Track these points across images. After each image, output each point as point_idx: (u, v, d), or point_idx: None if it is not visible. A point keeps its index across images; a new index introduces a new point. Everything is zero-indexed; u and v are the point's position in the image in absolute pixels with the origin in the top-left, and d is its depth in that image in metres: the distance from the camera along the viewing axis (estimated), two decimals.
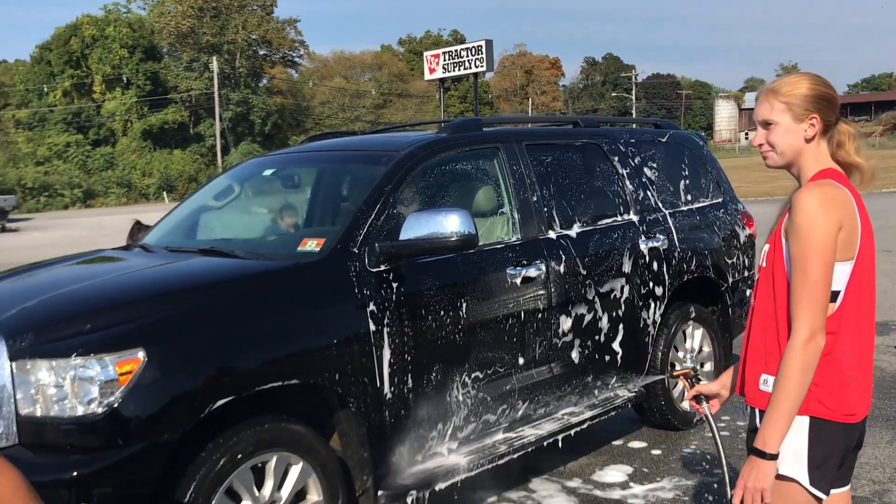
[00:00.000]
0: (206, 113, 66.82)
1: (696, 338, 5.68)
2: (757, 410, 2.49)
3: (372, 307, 3.65)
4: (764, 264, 2.52)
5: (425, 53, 27.26)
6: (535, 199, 4.61)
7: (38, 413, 3.02)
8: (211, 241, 4.45)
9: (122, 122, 63.20)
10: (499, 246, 4.35)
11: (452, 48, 26.14)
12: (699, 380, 3.05)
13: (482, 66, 25.41)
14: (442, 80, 27.28)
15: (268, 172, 4.89)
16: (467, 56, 25.90)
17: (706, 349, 5.75)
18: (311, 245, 3.82)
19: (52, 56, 62.88)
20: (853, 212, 2.38)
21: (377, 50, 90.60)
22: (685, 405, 5.54)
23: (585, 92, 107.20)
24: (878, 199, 22.75)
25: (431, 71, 27.17)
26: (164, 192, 58.54)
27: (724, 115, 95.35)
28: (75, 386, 3.00)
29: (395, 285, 3.78)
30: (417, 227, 3.77)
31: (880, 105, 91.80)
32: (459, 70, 26.15)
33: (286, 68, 79.63)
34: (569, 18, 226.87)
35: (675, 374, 3.39)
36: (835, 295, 2.37)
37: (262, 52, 75.79)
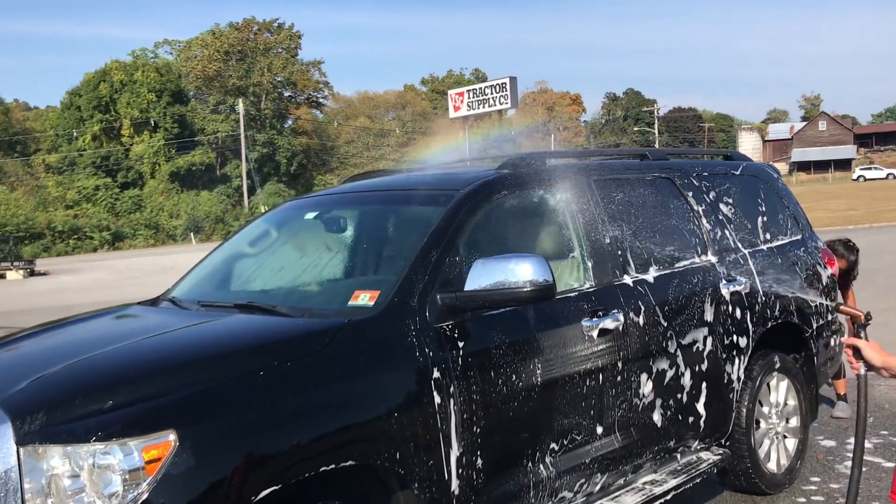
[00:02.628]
0: (232, 154, 67.31)
1: (780, 390, 5.10)
2: None
3: (435, 370, 3.15)
4: None
5: (450, 92, 27.16)
6: (607, 240, 4.10)
7: None
8: (249, 294, 3.97)
9: (150, 164, 63.83)
10: (572, 294, 3.84)
11: (476, 86, 26.08)
12: (866, 325, 2.54)
13: (506, 104, 25.26)
14: (466, 118, 27.13)
15: (310, 216, 4.41)
16: (491, 93, 25.75)
17: (791, 402, 5.17)
18: (364, 298, 3.33)
19: (82, 101, 63.87)
20: None
21: (400, 89, 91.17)
22: (772, 466, 4.96)
23: (607, 127, 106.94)
24: None
25: (456, 109, 27.01)
26: (192, 234, 58.72)
27: (748, 147, 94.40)
28: (94, 476, 2.51)
29: (460, 344, 3.27)
30: (485, 275, 3.27)
31: None
32: (484, 107, 25.99)
33: (311, 109, 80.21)
34: (589, 55, 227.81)
35: (843, 308, 2.90)
36: None
37: (287, 94, 76.47)
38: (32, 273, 34.32)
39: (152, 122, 63.34)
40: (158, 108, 63.65)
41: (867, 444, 5.77)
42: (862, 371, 2.41)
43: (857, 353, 2.44)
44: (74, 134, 63.63)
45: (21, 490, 2.54)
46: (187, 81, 69.86)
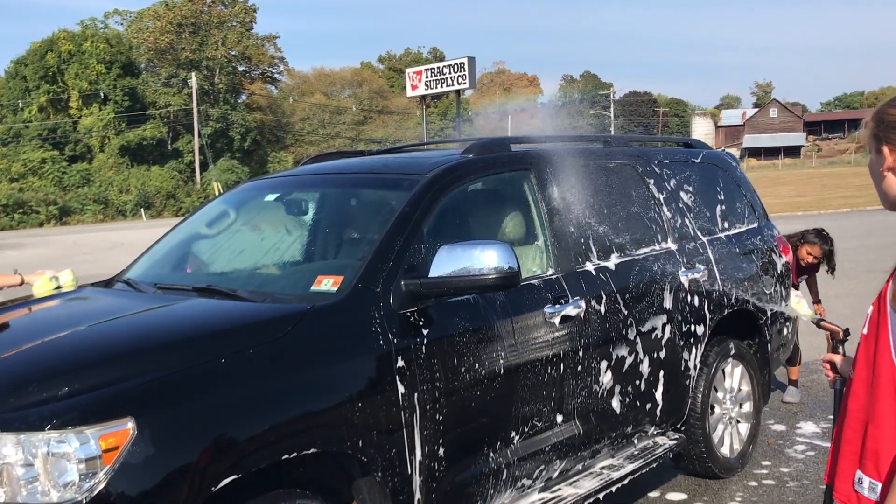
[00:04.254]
0: (184, 129, 65.98)
1: (735, 376, 5.19)
2: None
3: (398, 357, 3.12)
4: (866, 331, 2.01)
5: (407, 70, 26.99)
6: (570, 226, 4.10)
7: (1, 498, 2.45)
8: (208, 277, 3.89)
9: (100, 138, 62.21)
10: (534, 281, 3.84)
11: (434, 65, 25.92)
12: (844, 341, 2.62)
13: (464, 84, 25.18)
14: (423, 97, 26.99)
15: (270, 198, 4.33)
16: (449, 73, 25.63)
17: (745, 388, 5.27)
18: (328, 284, 3.28)
19: (28, 71, 61.85)
20: None
21: (357, 67, 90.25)
22: (725, 451, 5.05)
23: (563, 109, 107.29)
24: (868, 217, 22.55)
25: (413, 88, 26.85)
26: (142, 210, 57.56)
27: (701, 132, 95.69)
28: (48, 465, 2.44)
29: (424, 330, 3.25)
30: (450, 262, 3.24)
31: (853, 122, 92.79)
32: (441, 87, 25.87)
33: (266, 84, 78.95)
34: (547, 37, 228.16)
35: (823, 324, 2.95)
36: None
37: (241, 69, 75.08)
38: None
39: (102, 95, 61.63)
40: (108, 80, 61.93)
41: (815, 429, 5.92)
42: (838, 385, 2.46)
43: (833, 367, 2.50)
44: (20, 105, 61.66)
45: None
46: (138, 53, 68.06)
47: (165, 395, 2.59)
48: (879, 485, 1.90)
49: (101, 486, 2.42)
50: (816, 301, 6.94)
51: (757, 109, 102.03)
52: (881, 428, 1.89)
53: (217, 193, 46.44)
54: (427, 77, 26.17)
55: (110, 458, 2.44)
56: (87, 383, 2.57)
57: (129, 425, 2.46)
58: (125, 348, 2.83)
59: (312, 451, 2.86)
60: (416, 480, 3.16)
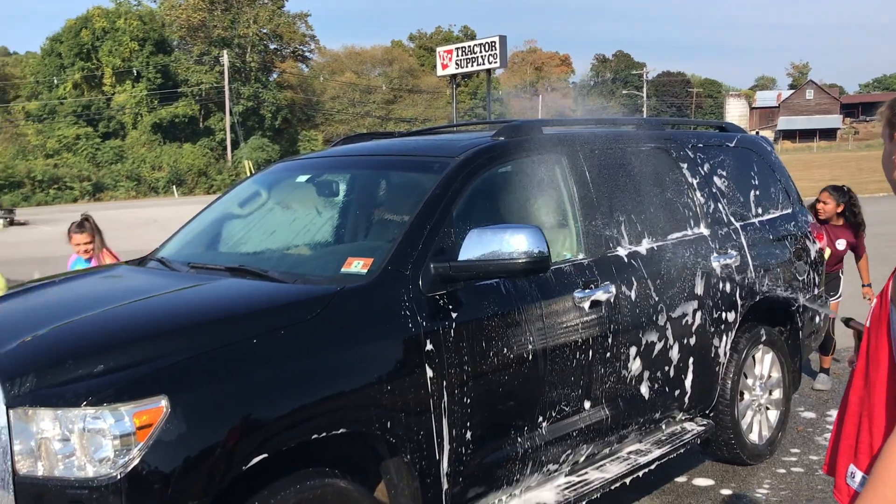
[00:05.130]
0: (216, 107, 66.40)
1: (765, 363, 5.15)
2: None
3: (427, 339, 3.14)
4: (868, 324, 1.96)
5: (438, 49, 26.81)
6: (602, 210, 4.08)
7: (40, 472, 2.51)
8: (240, 257, 3.92)
9: (132, 115, 62.86)
10: (564, 265, 3.83)
11: (465, 44, 25.66)
12: None
13: (495, 63, 24.95)
14: (453, 76, 26.83)
15: (302, 178, 4.35)
16: (480, 52, 25.43)
17: (775, 375, 5.22)
18: (358, 266, 3.29)
19: (63, 48, 62.55)
20: None
21: (387, 45, 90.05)
22: (754, 437, 5.02)
23: (595, 89, 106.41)
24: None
25: (444, 67, 26.71)
26: (174, 187, 58.15)
27: (735, 113, 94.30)
28: (84, 441, 2.49)
29: (452, 314, 3.25)
30: (480, 245, 3.24)
31: None
32: (472, 66, 25.69)
33: (297, 63, 79.11)
34: (579, 15, 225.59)
35: (853, 324, 2.92)
36: None
37: (272, 47, 75.26)
38: (12, 223, 33.92)
39: (135, 72, 62.20)
40: (141, 57, 62.44)
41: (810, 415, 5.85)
42: None
43: None
44: (55, 81, 62.42)
45: (11, 452, 2.52)
46: (171, 31, 68.49)
47: (198, 374, 2.63)
48: None
49: (136, 462, 2.47)
50: (865, 284, 6.68)
51: (793, 91, 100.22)
52: (876, 422, 1.86)
53: (249, 172, 46.58)
54: (458, 56, 25.98)
55: (144, 435, 2.48)
56: (121, 361, 2.62)
57: (163, 403, 2.51)
58: (159, 327, 2.87)
59: (341, 431, 2.89)
60: (444, 462, 3.18)
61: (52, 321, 2.95)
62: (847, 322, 3.09)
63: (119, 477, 2.45)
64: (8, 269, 5.73)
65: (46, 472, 2.51)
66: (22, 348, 2.75)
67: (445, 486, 3.21)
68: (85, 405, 2.48)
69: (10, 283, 5.55)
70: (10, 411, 2.53)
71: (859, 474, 1.90)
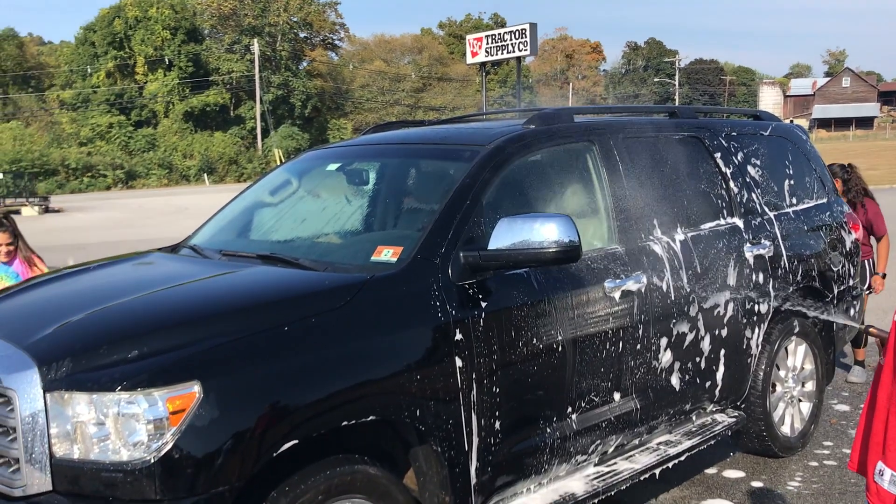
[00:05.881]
0: (246, 95, 66.84)
1: (798, 355, 5.08)
2: None
3: (456, 328, 3.13)
4: None
5: (468, 37, 26.68)
6: (634, 199, 4.04)
7: (76, 455, 2.56)
8: (271, 245, 3.95)
9: (164, 103, 63.51)
10: (595, 254, 3.80)
11: (495, 31, 25.49)
12: None
13: (525, 50, 24.76)
14: (483, 64, 26.69)
15: (332, 167, 4.36)
16: (510, 40, 25.26)
17: (808, 367, 5.16)
18: (387, 254, 3.30)
19: (96, 37, 63.32)
20: None
21: (417, 33, 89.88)
22: (786, 430, 4.97)
23: (627, 77, 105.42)
24: None
25: (474, 55, 26.58)
26: (205, 175, 58.68)
27: (769, 101, 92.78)
28: (119, 425, 2.53)
29: (482, 303, 3.25)
30: (510, 234, 3.22)
31: None
32: (502, 54, 25.52)
33: (326, 51, 79.32)
34: (611, 2, 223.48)
35: (871, 330, 2.87)
36: None
37: (302, 35, 75.53)
38: (47, 210, 34.48)
39: (166, 61, 62.81)
40: (173, 45, 63.03)
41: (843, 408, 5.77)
42: None
43: None
44: (88, 70, 63.23)
45: (48, 435, 2.57)
46: (202, 19, 69.00)
47: (230, 361, 2.65)
48: None
49: (169, 446, 2.50)
50: (876, 272, 6.42)
51: (828, 78, 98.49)
52: None
53: (279, 161, 46.82)
54: (487, 44, 25.84)
55: (177, 420, 2.51)
56: (154, 347, 2.65)
57: (195, 389, 2.54)
58: (191, 314, 2.90)
59: (371, 418, 2.90)
60: (472, 450, 3.18)
61: (87, 307, 2.99)
62: (867, 329, 3.02)
63: (152, 461, 2.49)
64: (43, 255, 5.82)
65: (82, 456, 2.55)
66: (58, 334, 2.79)
67: (474, 474, 3.21)
68: (119, 390, 2.52)
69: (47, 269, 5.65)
70: (47, 395, 2.58)
71: (888, 472, 1.88)
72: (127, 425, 2.53)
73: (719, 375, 4.41)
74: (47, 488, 2.57)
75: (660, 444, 4.22)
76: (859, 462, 2.12)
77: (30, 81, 68.18)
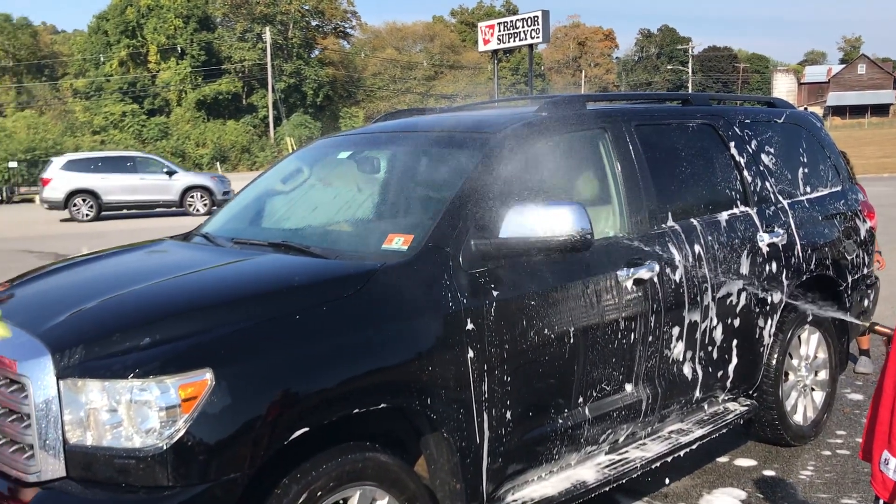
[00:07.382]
0: (258, 84, 66.91)
1: (811, 343, 5.05)
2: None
3: (468, 316, 3.13)
4: None
5: (480, 24, 26.57)
6: (646, 187, 4.02)
7: (89, 442, 2.58)
8: (283, 233, 3.95)
9: (177, 92, 63.70)
10: (607, 242, 3.78)
11: (508, 19, 25.39)
12: None
13: (538, 38, 24.64)
14: (495, 52, 26.58)
15: (343, 155, 4.36)
16: (523, 27, 25.15)
17: (821, 355, 5.13)
18: (398, 242, 3.29)
19: (109, 26, 63.51)
20: None
21: (429, 21, 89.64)
22: (798, 419, 4.95)
23: (640, 64, 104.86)
24: None
25: (486, 42, 26.48)
26: (218, 163, 58.83)
27: (783, 89, 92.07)
28: (132, 412, 2.55)
29: (493, 291, 3.24)
30: (522, 222, 3.22)
31: None
32: (514, 41, 25.41)
33: (338, 39, 79.20)
34: None
35: (877, 328, 2.85)
36: None
37: (314, 23, 75.44)
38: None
39: (179, 49, 62.95)
40: (185, 34, 63.17)
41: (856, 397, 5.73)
42: None
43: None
44: (101, 59, 63.45)
45: (61, 422, 2.59)
46: (214, 8, 69.05)
47: (242, 348, 2.66)
48: None
49: (181, 433, 2.51)
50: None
51: (844, 65, 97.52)
52: None
53: (291, 149, 46.88)
54: (500, 31, 25.73)
55: (189, 407, 2.53)
56: (167, 334, 2.66)
57: (208, 376, 2.55)
58: (203, 301, 2.91)
59: (382, 406, 2.91)
60: (484, 438, 3.19)
61: (99, 294, 3.01)
62: (872, 327, 2.99)
63: (165, 448, 2.50)
64: (58, 243, 5.86)
65: (95, 442, 2.57)
66: (71, 321, 2.81)
67: (485, 462, 3.22)
68: (132, 377, 2.53)
69: (60, 257, 5.67)
70: (60, 382, 2.60)
71: (893, 461, 1.87)
72: (139, 412, 2.55)
73: (731, 364, 4.39)
74: (61, 474, 2.59)
75: (671, 432, 4.21)
76: (865, 450, 2.11)
77: (43, 70, 68.51)
